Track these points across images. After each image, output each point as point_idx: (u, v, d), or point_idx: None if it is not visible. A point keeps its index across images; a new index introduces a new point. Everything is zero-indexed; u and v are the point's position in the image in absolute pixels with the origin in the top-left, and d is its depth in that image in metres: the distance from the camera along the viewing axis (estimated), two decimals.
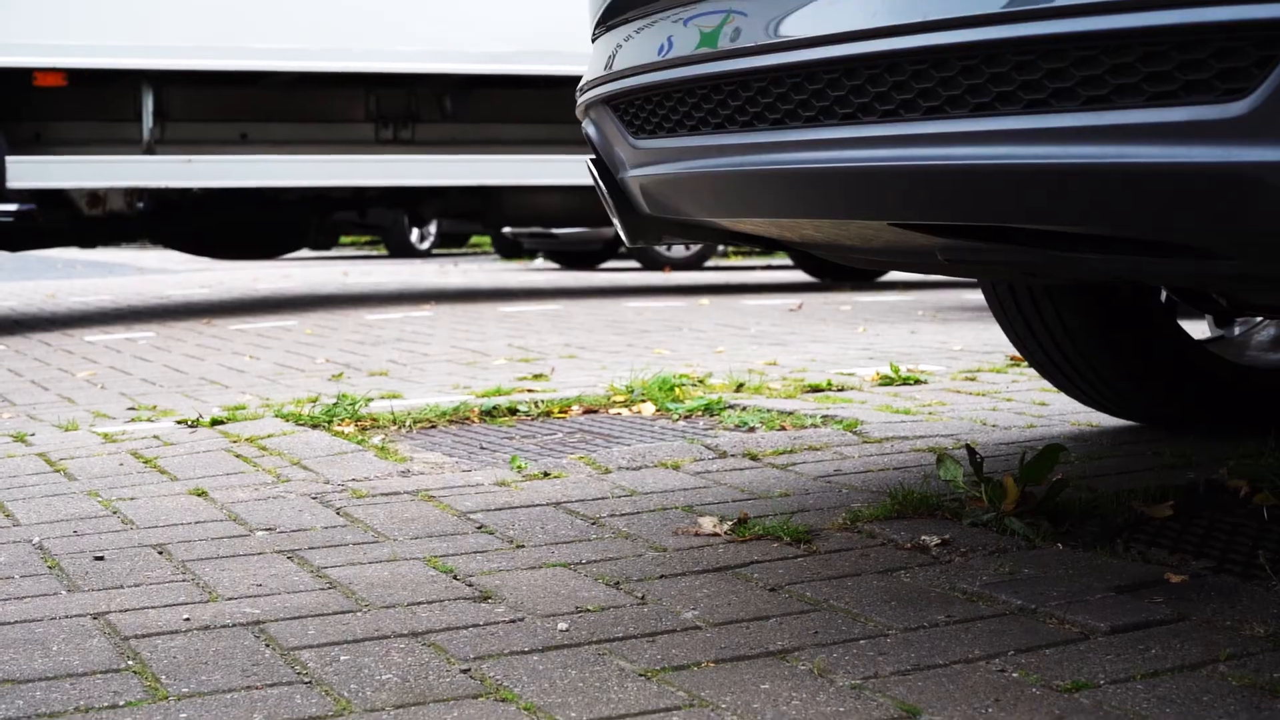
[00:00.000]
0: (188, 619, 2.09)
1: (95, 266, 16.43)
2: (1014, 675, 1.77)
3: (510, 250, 17.49)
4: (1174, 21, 1.47)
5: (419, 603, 2.15)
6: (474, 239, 22.52)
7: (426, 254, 19.61)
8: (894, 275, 10.70)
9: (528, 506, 2.79)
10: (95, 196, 8.31)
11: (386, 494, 2.93)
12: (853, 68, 1.86)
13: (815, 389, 4.30)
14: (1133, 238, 1.70)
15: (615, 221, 2.60)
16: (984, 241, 1.95)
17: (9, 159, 7.58)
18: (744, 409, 3.85)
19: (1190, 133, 1.47)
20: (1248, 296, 3.02)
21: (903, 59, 1.77)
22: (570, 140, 8.39)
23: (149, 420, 4.11)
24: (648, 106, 2.35)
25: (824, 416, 3.70)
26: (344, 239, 22.73)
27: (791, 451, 3.26)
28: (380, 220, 14.93)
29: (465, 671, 1.84)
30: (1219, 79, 1.45)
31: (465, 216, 9.98)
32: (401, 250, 19.46)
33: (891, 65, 1.79)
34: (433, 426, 3.76)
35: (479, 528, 2.63)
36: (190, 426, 3.87)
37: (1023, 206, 1.71)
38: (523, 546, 2.49)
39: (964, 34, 1.68)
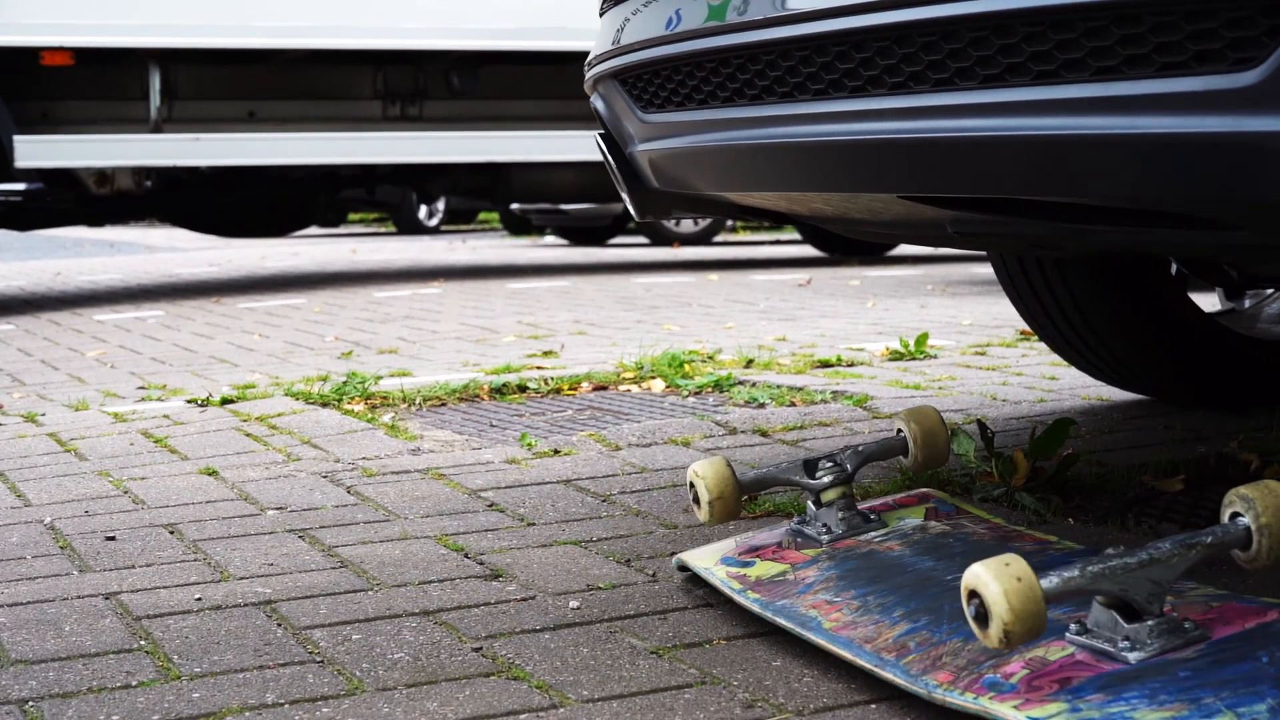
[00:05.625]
0: (199, 599, 2.09)
1: (103, 245, 16.44)
2: None
3: (518, 226, 17.46)
4: None
5: (430, 581, 2.15)
6: (482, 215, 22.49)
7: (435, 231, 19.60)
8: (903, 249, 10.68)
9: (538, 484, 2.79)
10: (103, 175, 8.30)
11: (397, 472, 2.93)
12: (861, 40, 1.85)
13: (825, 364, 4.29)
14: (1142, 209, 1.70)
15: (624, 196, 2.59)
16: (994, 214, 1.94)
17: (16, 138, 7.57)
18: (754, 385, 3.85)
19: (1200, 103, 1.46)
20: (1258, 267, 3.01)
21: (911, 31, 1.76)
22: (578, 116, 8.37)
23: (159, 399, 4.11)
24: (656, 81, 2.34)
25: (834, 392, 3.69)
26: (352, 216, 22.71)
27: (801, 427, 3.26)
28: (388, 197, 14.94)
29: (477, 650, 1.84)
30: (1229, 49, 1.44)
31: (473, 193, 9.96)
32: (410, 227, 19.45)
33: (900, 37, 1.78)
34: (442, 404, 3.76)
35: (489, 506, 2.63)
36: (200, 405, 3.87)
37: (1032, 178, 1.70)
38: (533, 524, 2.49)
39: (972, 6, 1.67)
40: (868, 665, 1.65)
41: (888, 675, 1.62)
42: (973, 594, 1.46)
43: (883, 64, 1.81)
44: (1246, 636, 1.49)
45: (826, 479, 2.07)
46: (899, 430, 2.15)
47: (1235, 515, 1.54)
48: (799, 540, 2.07)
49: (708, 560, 2.07)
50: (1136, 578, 1.48)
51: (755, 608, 1.89)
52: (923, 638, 1.67)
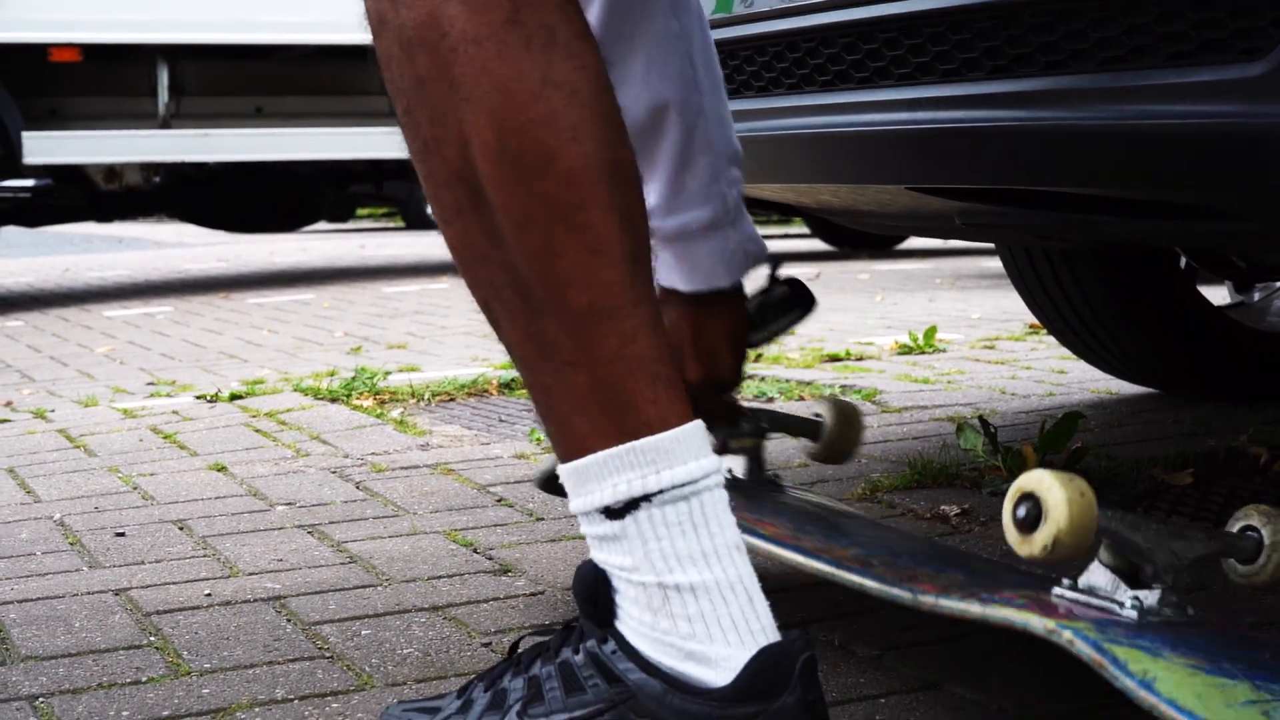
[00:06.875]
0: (209, 594, 2.10)
1: (112, 241, 16.46)
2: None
3: None
4: None
5: (439, 576, 2.15)
6: None
7: None
8: (911, 243, 10.67)
9: None
10: (111, 171, 8.31)
11: (406, 467, 2.93)
12: (869, 32, 1.85)
13: (834, 358, 4.29)
14: (1150, 199, 1.69)
15: None
16: (1002, 205, 1.94)
17: (25, 135, 7.58)
18: (762, 379, 3.85)
19: (1208, 93, 1.46)
20: (1267, 258, 3.00)
21: (919, 21, 1.76)
22: None
23: (168, 395, 4.12)
24: None
25: (843, 386, 3.69)
26: (360, 211, 22.68)
27: None
28: (397, 192, 14.93)
29: (486, 645, 1.84)
30: (1236, 39, 1.44)
31: None
32: (418, 222, 19.43)
33: (908, 29, 1.78)
34: (451, 399, 3.76)
35: (498, 501, 2.63)
36: (209, 401, 3.88)
37: (1039, 169, 1.70)
38: (542, 519, 2.49)
39: None
40: (825, 568, 1.54)
41: (854, 579, 1.51)
42: (1027, 496, 1.38)
43: (890, 55, 1.81)
44: (1246, 636, 1.48)
45: (745, 426, 2.02)
46: (816, 414, 2.07)
47: (1247, 530, 1.52)
48: None
49: None
50: (1164, 545, 1.45)
51: None
52: (885, 560, 1.57)
